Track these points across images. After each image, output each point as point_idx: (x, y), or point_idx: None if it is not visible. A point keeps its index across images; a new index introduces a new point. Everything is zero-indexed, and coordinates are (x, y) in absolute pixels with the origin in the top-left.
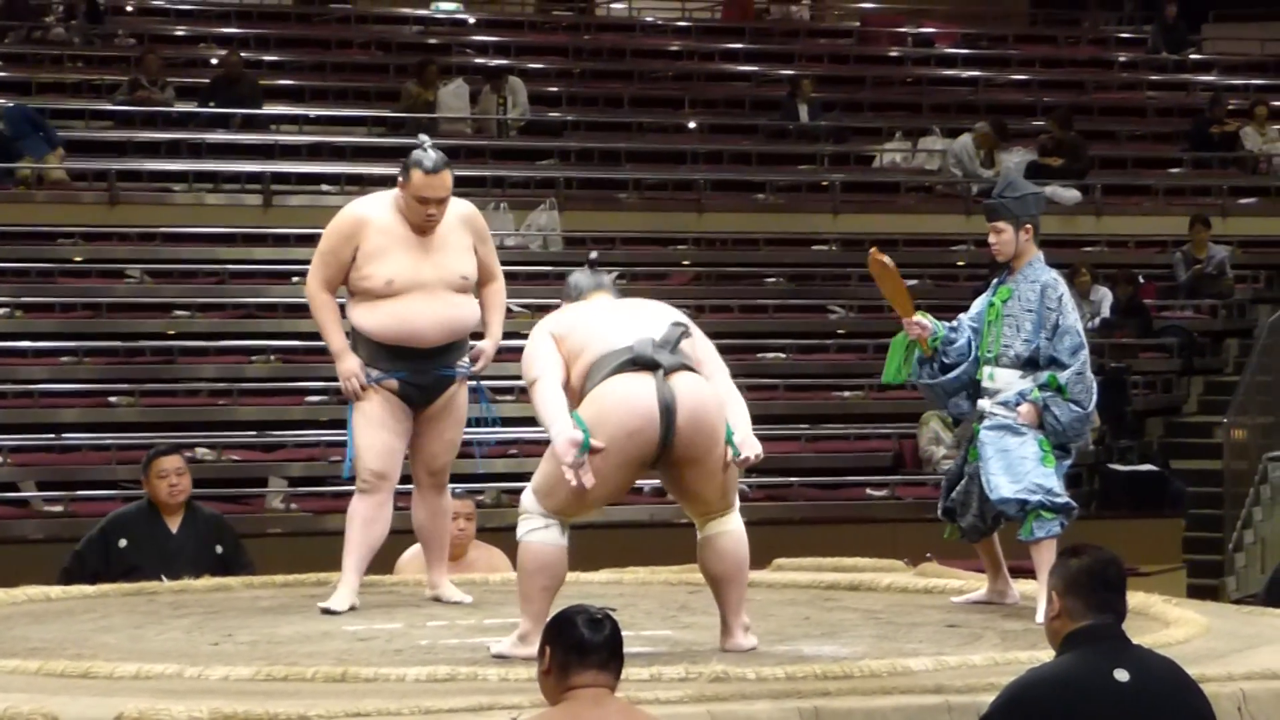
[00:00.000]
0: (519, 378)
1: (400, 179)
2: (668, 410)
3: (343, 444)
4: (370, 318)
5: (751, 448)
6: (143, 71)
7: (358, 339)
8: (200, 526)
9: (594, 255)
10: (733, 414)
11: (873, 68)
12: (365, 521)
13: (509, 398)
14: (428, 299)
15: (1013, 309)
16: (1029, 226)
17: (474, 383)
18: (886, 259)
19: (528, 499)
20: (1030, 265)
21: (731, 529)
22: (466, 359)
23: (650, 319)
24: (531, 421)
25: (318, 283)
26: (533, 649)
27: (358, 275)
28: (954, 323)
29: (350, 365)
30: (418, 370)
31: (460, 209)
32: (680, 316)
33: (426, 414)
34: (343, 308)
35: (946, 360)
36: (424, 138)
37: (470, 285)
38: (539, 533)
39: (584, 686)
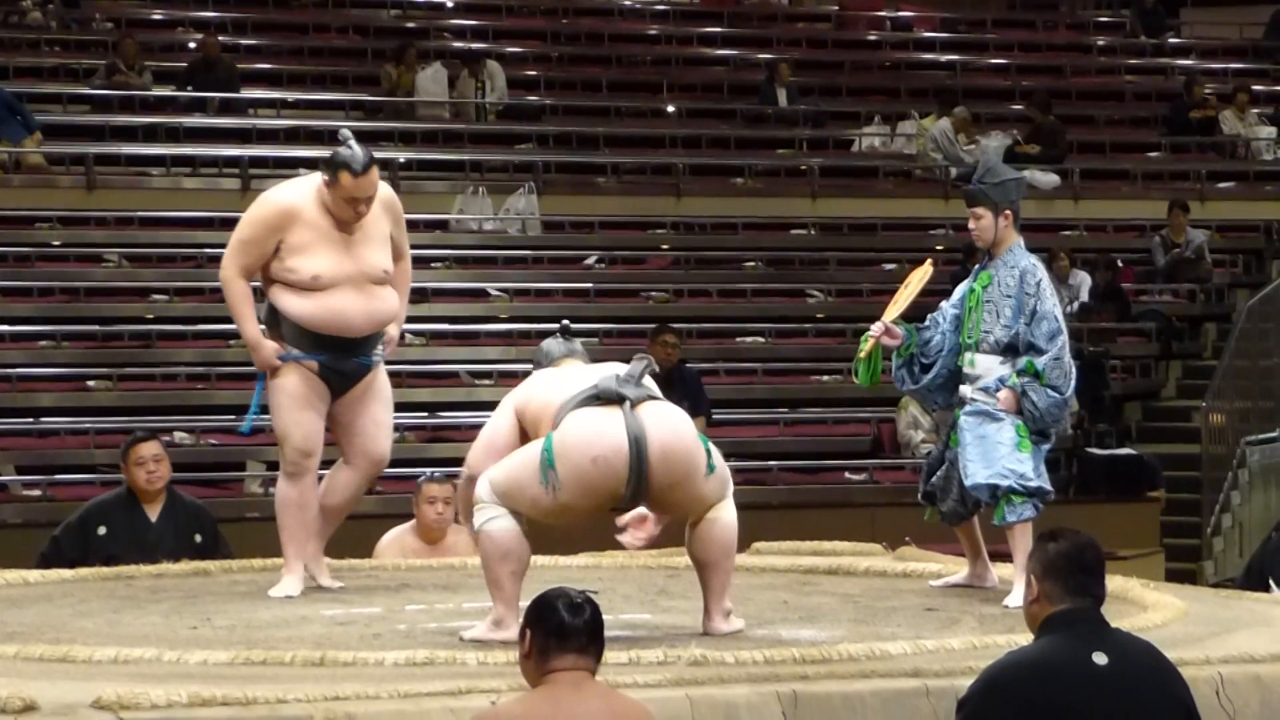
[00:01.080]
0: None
1: (326, 179)
2: (638, 443)
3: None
4: (298, 305)
5: None
6: (120, 56)
7: (282, 320)
8: (180, 515)
9: (565, 323)
10: None
11: (851, 52)
12: (299, 507)
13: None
14: (354, 293)
15: (992, 295)
16: (1009, 212)
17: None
18: (928, 275)
19: (484, 489)
20: (1010, 251)
21: (722, 517)
22: (381, 346)
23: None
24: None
25: (235, 269)
26: (507, 633)
27: (281, 266)
28: (929, 318)
29: (267, 356)
30: (339, 358)
31: (383, 192)
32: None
33: (349, 398)
34: (257, 290)
35: (926, 360)
36: (345, 133)
37: (390, 277)
38: (496, 521)
39: (564, 670)
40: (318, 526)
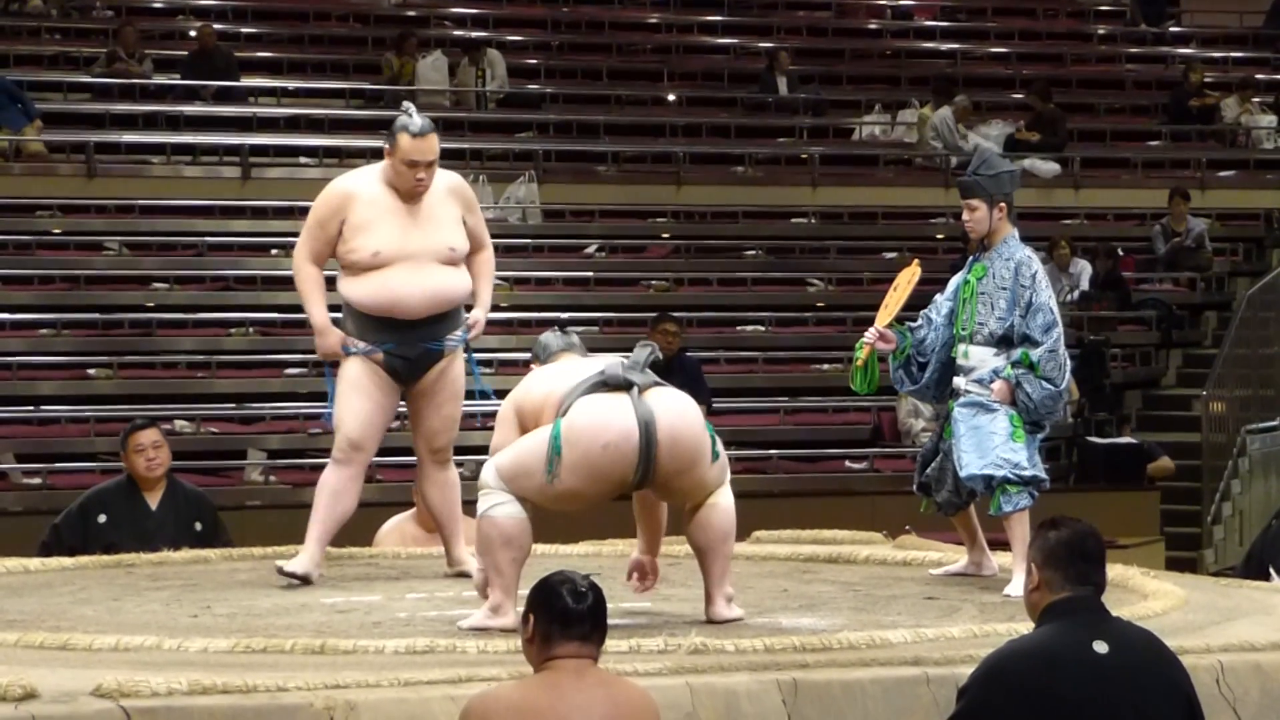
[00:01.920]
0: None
1: (386, 146)
2: (647, 429)
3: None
4: (357, 288)
5: None
6: (120, 44)
7: (346, 311)
8: (180, 503)
9: (564, 319)
10: None
11: (851, 40)
12: (334, 494)
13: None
14: (414, 270)
15: (987, 286)
16: (1003, 204)
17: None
18: (916, 276)
19: (489, 474)
20: (1005, 243)
21: (720, 502)
22: (459, 331)
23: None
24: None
25: (304, 255)
26: (504, 620)
27: (345, 248)
28: (921, 315)
29: (330, 343)
30: (404, 343)
31: (448, 180)
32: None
33: (419, 389)
34: (333, 281)
35: (922, 359)
36: (408, 104)
37: (459, 257)
38: (501, 507)
39: (566, 657)
40: (445, 529)
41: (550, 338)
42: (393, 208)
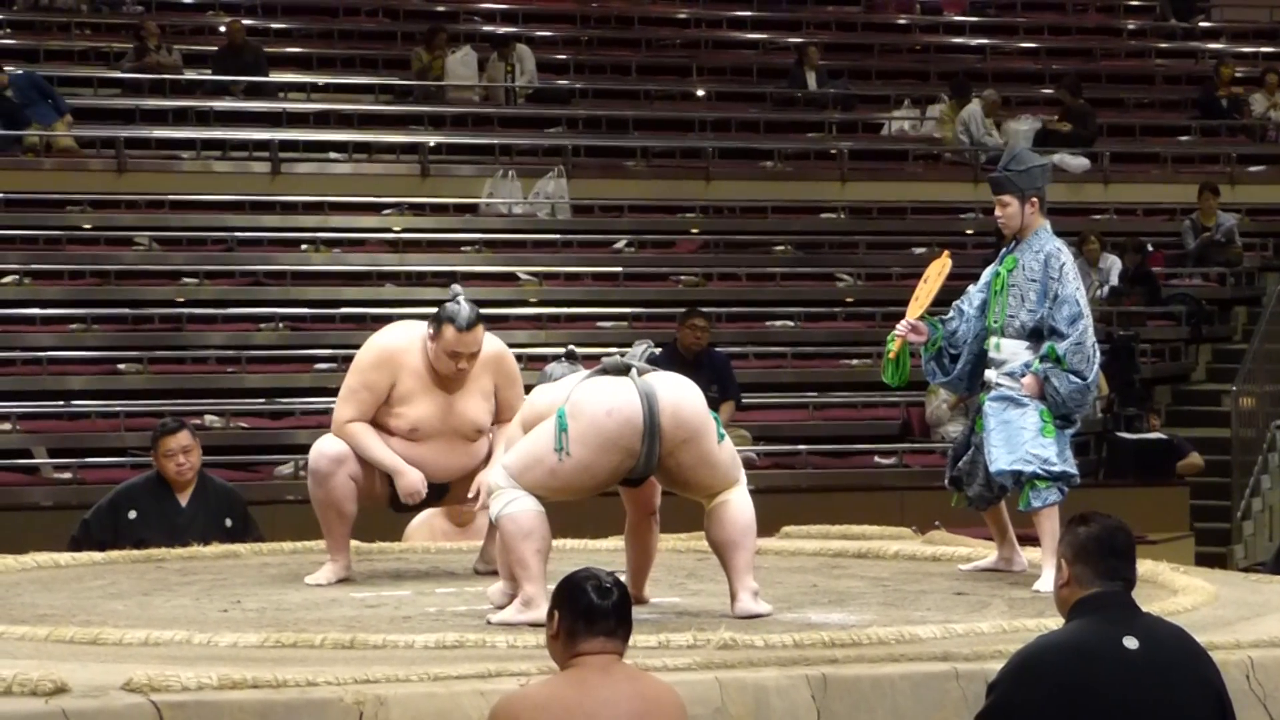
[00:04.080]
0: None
1: (430, 331)
2: (649, 400)
3: None
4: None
5: None
6: (149, 39)
7: None
8: (210, 500)
9: (571, 349)
10: None
11: (880, 35)
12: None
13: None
14: (443, 447)
15: (1017, 279)
16: (1034, 199)
17: None
18: (947, 268)
19: (499, 476)
20: (1036, 235)
21: (736, 498)
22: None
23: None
24: None
25: (344, 417)
26: (535, 613)
27: (387, 410)
28: (953, 307)
29: (412, 480)
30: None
31: (491, 349)
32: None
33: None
34: None
35: (954, 351)
36: (456, 288)
37: (485, 432)
38: (515, 503)
39: (592, 653)
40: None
41: (556, 367)
42: (432, 384)
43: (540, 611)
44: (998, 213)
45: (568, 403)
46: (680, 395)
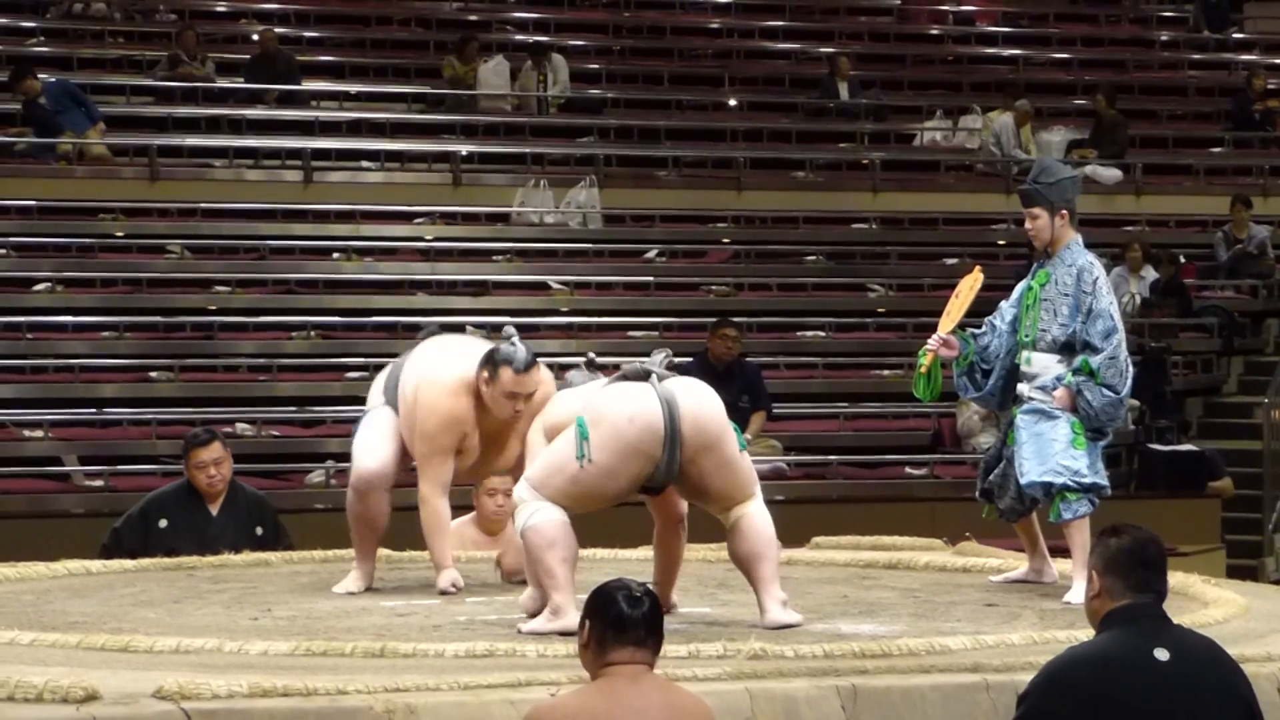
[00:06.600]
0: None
1: (486, 374)
2: (669, 405)
3: None
4: None
5: None
6: (181, 47)
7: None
8: (241, 508)
9: (591, 355)
10: None
11: (913, 46)
12: (359, 519)
13: None
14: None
15: (1049, 293)
16: (1065, 211)
17: None
18: (978, 283)
19: (522, 489)
20: (1068, 249)
21: (752, 510)
22: None
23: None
24: None
25: (437, 489)
26: (564, 621)
27: None
28: (985, 322)
29: (450, 578)
30: None
31: (539, 398)
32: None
33: None
34: None
35: (986, 366)
36: (510, 330)
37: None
38: (538, 514)
39: (622, 663)
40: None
41: (576, 375)
42: (481, 430)
43: (569, 620)
44: (1028, 225)
45: (587, 410)
46: (700, 401)
